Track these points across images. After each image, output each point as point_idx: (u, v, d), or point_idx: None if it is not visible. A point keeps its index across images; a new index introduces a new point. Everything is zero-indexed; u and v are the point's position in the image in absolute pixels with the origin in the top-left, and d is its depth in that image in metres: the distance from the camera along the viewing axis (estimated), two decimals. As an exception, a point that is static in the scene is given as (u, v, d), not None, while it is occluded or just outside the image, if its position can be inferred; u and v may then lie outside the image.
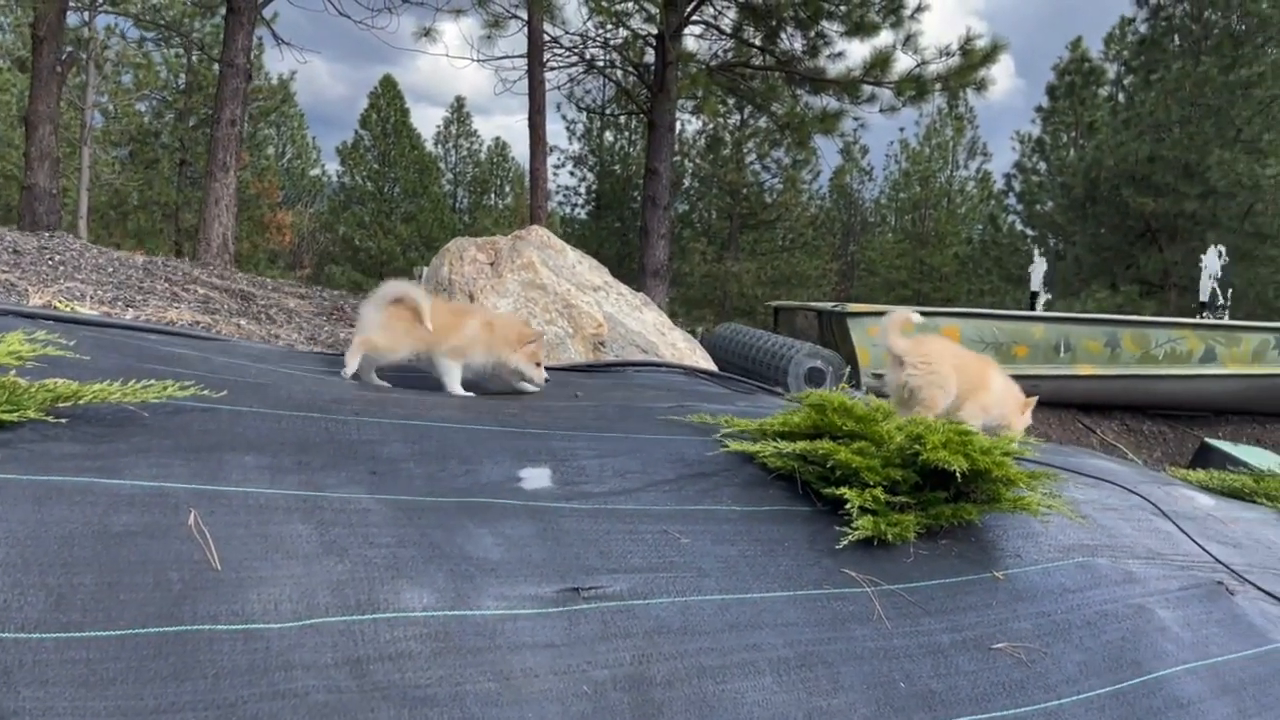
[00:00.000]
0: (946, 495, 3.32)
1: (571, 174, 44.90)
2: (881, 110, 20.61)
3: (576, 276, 5.65)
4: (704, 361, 5.87)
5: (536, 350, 4.13)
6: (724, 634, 2.55)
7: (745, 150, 42.31)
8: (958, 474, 3.13)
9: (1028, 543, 3.38)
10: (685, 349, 5.83)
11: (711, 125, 38.22)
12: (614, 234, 45.08)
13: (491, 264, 5.51)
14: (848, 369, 8.35)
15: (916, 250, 46.27)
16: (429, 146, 53.40)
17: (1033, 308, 9.88)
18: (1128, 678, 2.87)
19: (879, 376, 8.05)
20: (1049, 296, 9.98)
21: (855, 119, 21.83)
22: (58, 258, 5.39)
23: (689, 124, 39.25)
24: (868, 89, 20.29)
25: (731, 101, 27.36)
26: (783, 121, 21.22)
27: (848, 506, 3.10)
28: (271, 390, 3.22)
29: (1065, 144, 37.11)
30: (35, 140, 19.27)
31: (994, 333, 8.26)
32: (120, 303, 4.47)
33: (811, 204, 48.53)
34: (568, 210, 48.01)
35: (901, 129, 50.06)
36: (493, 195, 58.62)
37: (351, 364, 3.84)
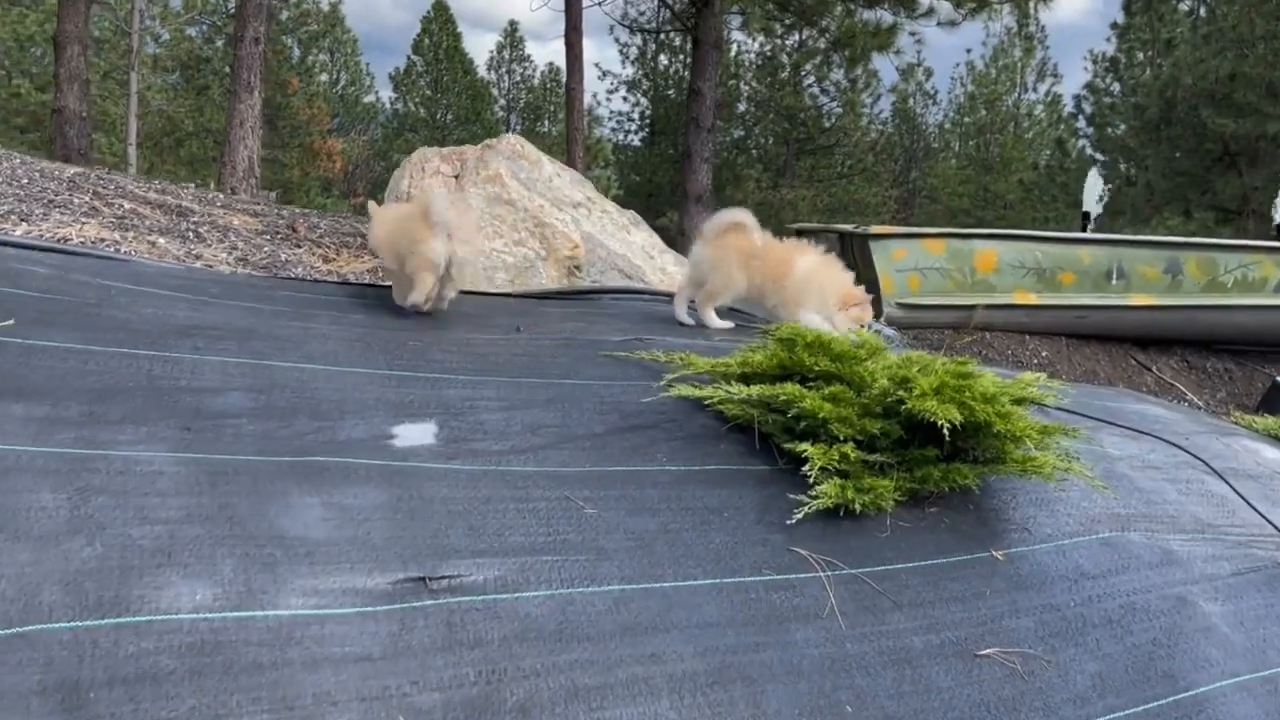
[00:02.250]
0: (939, 453, 2.66)
1: (625, 99, 43.77)
2: (940, 24, 19.41)
3: (553, 191, 5.00)
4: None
5: (861, 314, 3.83)
6: (614, 640, 1.95)
7: (803, 73, 40.94)
8: (945, 429, 2.46)
9: (1041, 512, 2.72)
10: (677, 273, 5.17)
11: (768, 46, 36.90)
12: (667, 160, 44.08)
13: (456, 176, 4.89)
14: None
15: (980, 177, 44.72)
16: (481, 72, 52.54)
17: (1084, 229, 8.97)
18: (1158, 695, 2.22)
19: (907, 307, 7.32)
20: (1098, 214, 9.02)
21: (912, 34, 20.65)
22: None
23: (745, 46, 37.94)
24: (924, 0, 19.10)
25: (786, 21, 26.08)
26: (834, 38, 20.08)
27: (806, 468, 2.46)
28: (101, 319, 2.64)
29: (1141, 63, 35.26)
30: (64, 61, 18.82)
31: (1035, 257, 7.43)
32: (15, 216, 3.94)
33: (871, 128, 47.02)
34: (620, 137, 46.97)
35: (968, 50, 48.03)
36: (546, 122, 57.81)
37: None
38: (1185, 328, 7.69)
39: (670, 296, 4.65)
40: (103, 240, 3.93)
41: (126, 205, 4.57)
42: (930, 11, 19.54)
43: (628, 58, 44.87)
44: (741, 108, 42.97)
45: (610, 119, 46.95)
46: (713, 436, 2.78)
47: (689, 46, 41.46)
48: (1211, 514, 3.00)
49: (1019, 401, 2.94)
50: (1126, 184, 27.51)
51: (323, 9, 48.40)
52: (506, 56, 59.48)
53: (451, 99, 51.74)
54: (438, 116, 51.54)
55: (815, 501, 2.38)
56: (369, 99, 57.83)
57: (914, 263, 7.27)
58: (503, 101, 58.27)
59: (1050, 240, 7.63)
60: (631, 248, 5.10)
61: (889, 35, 20.36)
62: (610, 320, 4.07)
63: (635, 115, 45.88)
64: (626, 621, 1.99)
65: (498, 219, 4.73)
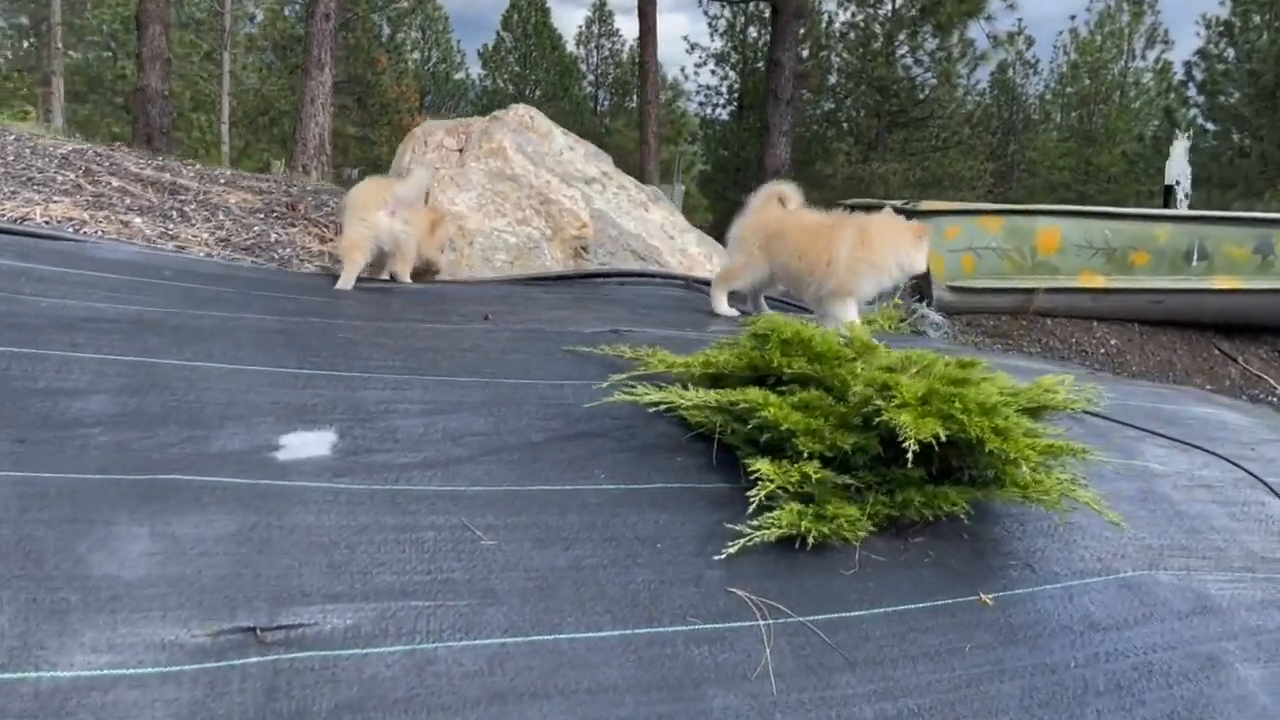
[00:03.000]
0: (924, 474, 2.25)
1: (713, 73, 43.10)
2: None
3: (563, 166, 4.65)
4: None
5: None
6: (476, 711, 1.61)
7: (896, 43, 39.82)
8: (913, 448, 2.06)
9: (1052, 544, 2.30)
10: (700, 254, 4.78)
11: (860, 17, 35.97)
12: (754, 134, 43.31)
13: (460, 151, 4.56)
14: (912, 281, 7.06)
15: (1082, 149, 43.02)
16: (570, 47, 52.37)
17: (1167, 204, 8.21)
18: (1169, 788, 1.80)
19: (960, 290, 6.75)
20: (1187, 189, 8.22)
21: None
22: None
23: (834, 16, 37.04)
24: (1019, -37, 18.20)
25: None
26: (922, 4, 19.25)
27: (754, 491, 2.08)
28: (-25, 311, 2.38)
29: (1257, 26, 33.38)
30: (146, 40, 19.05)
31: (1104, 235, 6.76)
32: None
33: (968, 100, 45.59)
34: (708, 111, 46.34)
35: (1072, 17, 46.22)
36: (634, 96, 57.31)
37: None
38: (1277, 314, 7.00)
39: (686, 280, 4.27)
40: (69, 220, 3.71)
41: (115, 183, 4.36)
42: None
43: (716, 30, 44.18)
44: (833, 80, 42.09)
45: (698, 93, 46.33)
46: (669, 448, 2.41)
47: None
48: (1269, 547, 2.53)
49: (1035, 411, 2.51)
50: (1240, 155, 26.04)
51: (412, -13, 48.80)
52: (595, 31, 59.21)
53: (540, 75, 51.74)
54: (525, 92, 51.56)
55: (758, 533, 2.00)
56: (459, 76, 58.21)
57: (968, 242, 6.70)
58: (590, 77, 58.12)
59: (1121, 217, 6.98)
60: (649, 226, 4.72)
61: (979, 1, 19.50)
62: (604, 307, 3.71)
63: (723, 89, 45.13)
64: (499, 686, 1.65)
65: (500, 196, 4.39)
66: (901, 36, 39.47)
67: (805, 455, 2.20)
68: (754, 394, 2.30)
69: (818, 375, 2.42)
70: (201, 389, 2.23)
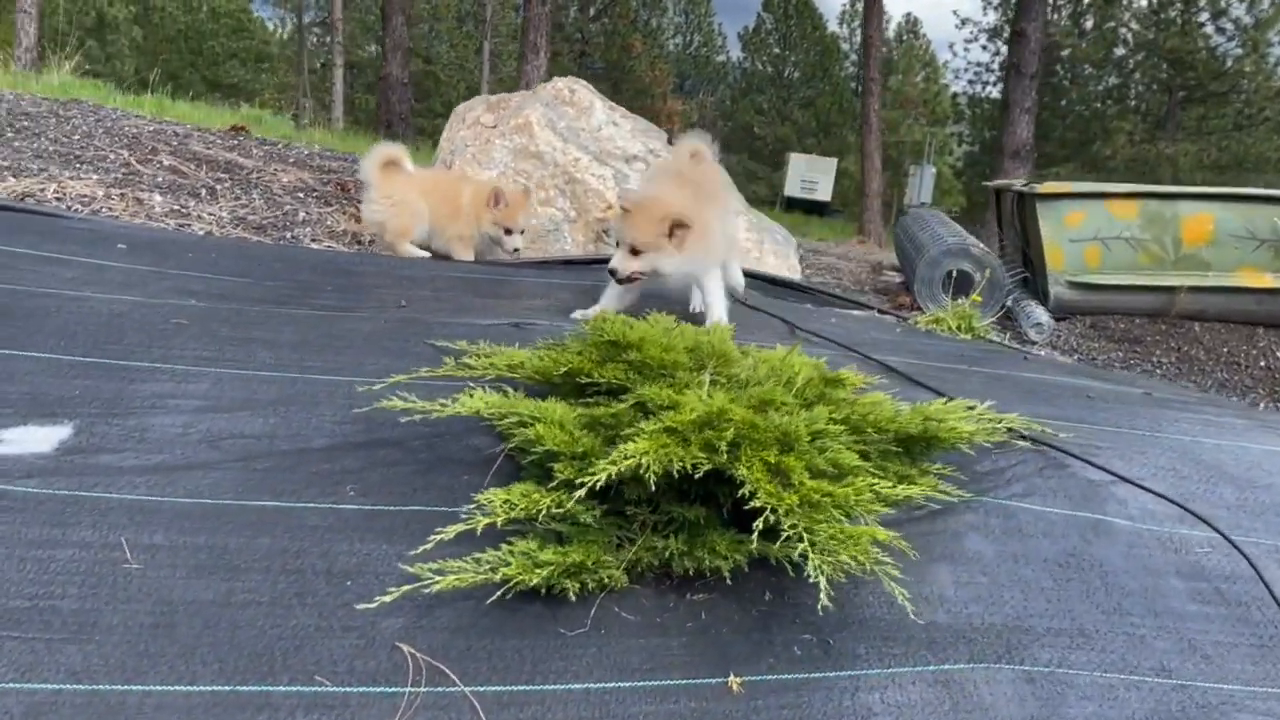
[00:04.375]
0: (720, 516, 1.81)
1: (984, 49, 41.11)
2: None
3: (600, 143, 4.32)
4: (778, 261, 4.31)
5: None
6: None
7: (1193, 9, 36.55)
8: (650, 479, 1.64)
9: (879, 613, 1.80)
10: (749, 241, 4.32)
11: None
12: (1025, 112, 41.01)
13: (494, 126, 4.33)
14: (1021, 273, 6.09)
15: None
16: (832, 27, 51.36)
17: None
18: None
19: (1081, 287, 5.76)
20: None
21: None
22: (73, 121, 4.95)
23: None
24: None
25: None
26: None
27: (456, 526, 1.73)
28: None
29: None
30: (389, 31, 20.14)
31: (1272, 224, 5.59)
32: (7, 172, 3.87)
33: (1278, 71, 41.17)
34: (978, 89, 44.40)
35: None
36: (901, 75, 55.66)
37: None
38: None
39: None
40: (83, 195, 3.77)
41: (166, 161, 4.43)
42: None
43: (990, 4, 42.26)
44: (1121, 51, 39.27)
45: (967, 70, 44.32)
46: (466, 463, 2.09)
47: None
48: (1234, 658, 1.89)
49: (916, 442, 2.00)
50: None
51: (671, -29, 49.36)
52: (859, 9, 57.96)
53: (800, 55, 51.17)
54: (785, 74, 51.15)
55: (438, 581, 1.64)
56: (720, 59, 58.45)
57: (1095, 230, 5.74)
58: (853, 57, 56.91)
59: None
60: (691, 208, 4.31)
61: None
62: (569, 296, 3.37)
63: (996, 65, 43.08)
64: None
65: (523, 174, 4.14)
66: (1202, 2, 36.20)
67: (577, 483, 1.81)
68: (525, 405, 1.94)
69: (633, 386, 2.02)
70: (-44, 374, 2.11)
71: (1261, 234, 5.64)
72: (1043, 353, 4.55)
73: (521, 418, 1.91)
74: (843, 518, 1.71)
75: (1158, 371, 4.93)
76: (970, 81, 43.79)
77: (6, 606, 1.59)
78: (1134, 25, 38.60)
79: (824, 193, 31.15)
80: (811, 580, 1.60)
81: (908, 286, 6.08)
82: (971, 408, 2.11)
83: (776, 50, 51.23)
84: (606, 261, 3.82)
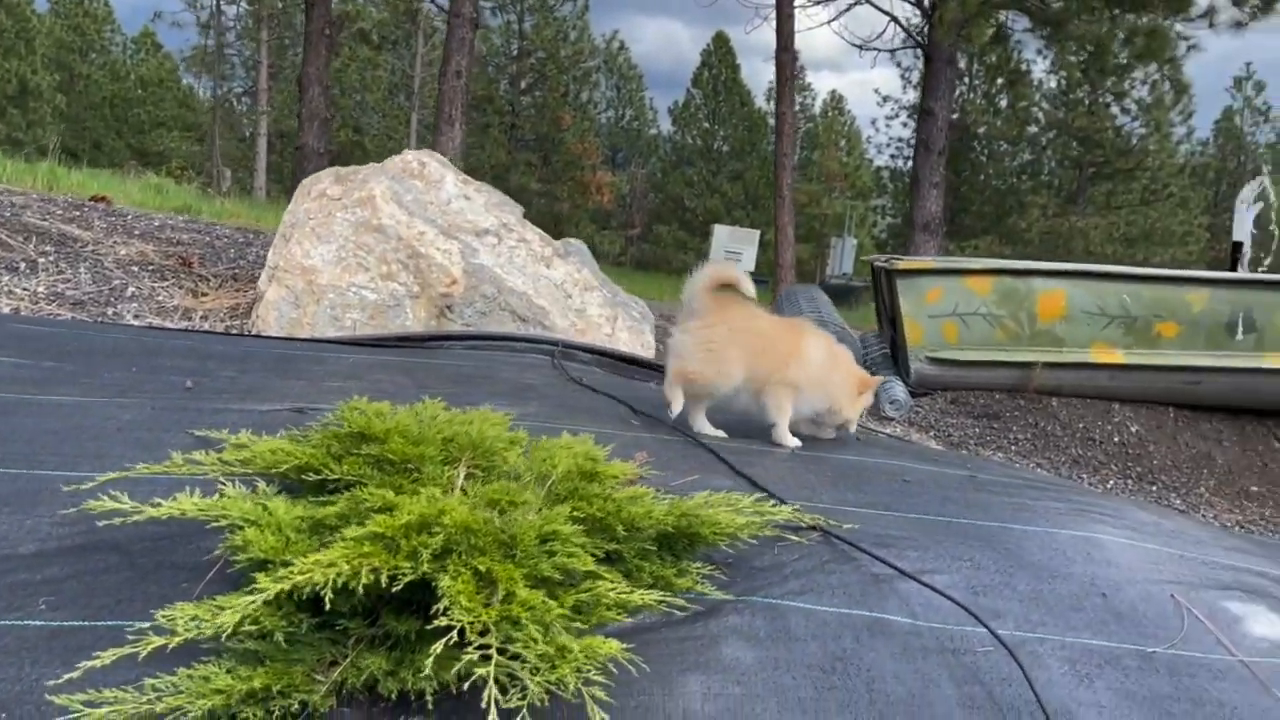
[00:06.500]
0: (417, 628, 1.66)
1: (904, 125, 42.41)
2: (1213, 26, 16.83)
3: (449, 216, 4.22)
4: (632, 337, 4.22)
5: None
6: None
7: (1100, 90, 37.96)
8: (277, 589, 1.49)
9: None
10: (601, 316, 4.23)
11: (1063, 74, 34.69)
12: (948, 187, 42.18)
13: (339, 199, 4.21)
14: (882, 348, 6.12)
15: (1317, 201, 39.51)
16: (759, 102, 52.73)
17: (1234, 265, 6.81)
18: None
19: (940, 363, 5.76)
20: (1254, 254, 6.81)
21: (1184, 39, 18.15)
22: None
23: (1035, 65, 35.76)
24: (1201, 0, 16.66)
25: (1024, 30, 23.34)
26: (1084, 46, 17.83)
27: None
28: None
29: None
30: (306, 101, 20.04)
31: (1121, 301, 5.63)
32: None
33: (1180, 149, 42.85)
34: (899, 163, 45.84)
35: (1300, 58, 43.17)
36: (822, 150, 56.98)
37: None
38: None
39: (558, 345, 3.73)
40: None
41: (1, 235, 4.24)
42: (1209, 13, 17.08)
43: (909, 82, 43.62)
44: (1034, 129, 40.66)
45: (889, 145, 45.88)
46: (190, 570, 1.91)
47: (977, 69, 39.47)
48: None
49: (681, 539, 1.88)
50: None
51: (599, 46, 50.15)
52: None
53: (728, 130, 52.33)
54: (714, 148, 52.19)
55: (88, 715, 1.47)
56: (651, 132, 59.47)
57: (952, 306, 5.75)
58: (794, 133, 58.37)
59: (1143, 279, 5.89)
60: (541, 284, 4.21)
61: (1159, 42, 17.95)
62: (384, 378, 3.23)
63: (915, 141, 44.53)
64: None
65: (363, 249, 4.01)
66: (1107, 84, 37.59)
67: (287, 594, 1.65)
68: (240, 507, 1.78)
69: (378, 482, 1.87)
70: None
71: (1111, 310, 5.69)
72: (898, 430, 4.50)
73: (232, 520, 1.75)
74: (561, 630, 1.57)
75: (1013, 447, 4.92)
76: (893, 156, 45.04)
77: None
78: (1044, 105, 39.93)
79: (748, 263, 31.47)
80: (505, 705, 1.46)
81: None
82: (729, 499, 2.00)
83: (706, 125, 52.36)
84: (447, 339, 3.70)
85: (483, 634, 1.52)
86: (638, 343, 4.27)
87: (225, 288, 4.33)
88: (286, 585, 1.51)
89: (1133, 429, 5.40)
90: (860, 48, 20.78)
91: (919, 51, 20.99)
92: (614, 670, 1.66)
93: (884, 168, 49.61)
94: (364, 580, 1.53)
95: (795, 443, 3.06)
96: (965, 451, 4.65)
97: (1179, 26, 17.28)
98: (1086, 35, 17.90)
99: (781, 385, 3.00)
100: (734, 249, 32.06)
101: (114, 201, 6.15)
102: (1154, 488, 4.81)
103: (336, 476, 1.91)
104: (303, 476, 1.95)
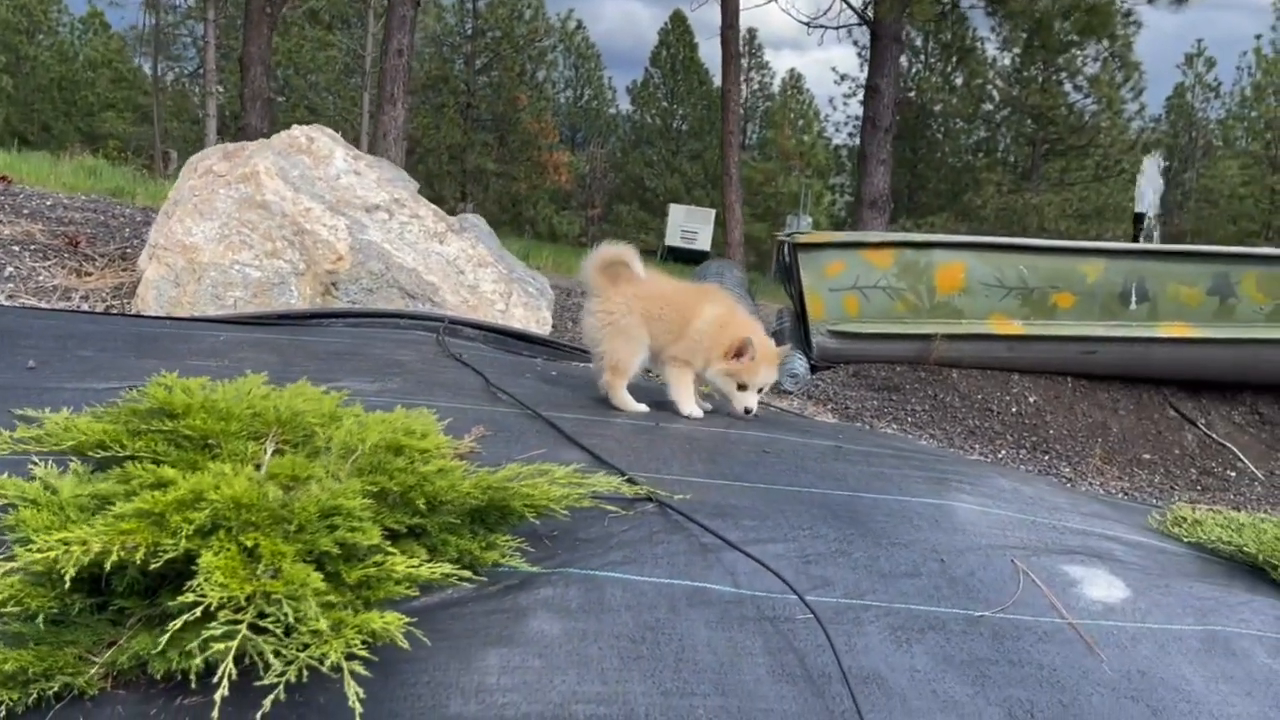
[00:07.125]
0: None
1: (861, 103, 42.87)
2: (1152, 2, 16.95)
3: (337, 193, 4.16)
4: (527, 313, 4.18)
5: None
6: None
7: (1053, 68, 38.22)
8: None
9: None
10: (494, 292, 4.19)
11: (1016, 52, 34.90)
12: (904, 164, 42.29)
13: (224, 176, 4.13)
14: (783, 323, 6.16)
15: (1267, 177, 40.26)
16: (718, 81, 52.85)
17: (1136, 237, 6.92)
18: None
19: (841, 335, 5.81)
20: (1156, 224, 6.90)
21: (1126, 16, 18.28)
22: None
23: (987, 42, 35.96)
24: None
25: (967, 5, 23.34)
26: (1024, 24, 17.94)
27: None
28: None
29: None
30: (248, 81, 19.81)
31: (1019, 272, 5.71)
32: None
33: (1132, 125, 43.19)
34: (856, 141, 46.20)
35: (1258, 36, 43.78)
36: (777, 129, 57.00)
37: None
38: (1246, 369, 5.76)
39: (442, 322, 3.68)
40: None
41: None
42: (1150, -11, 17.19)
43: (865, 61, 43.75)
44: (989, 107, 40.94)
45: (846, 124, 46.07)
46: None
47: (932, 48, 39.59)
48: None
49: (502, 511, 1.86)
50: None
51: (554, 25, 49.82)
52: (745, 65, 59.35)
53: (687, 109, 52.21)
54: (673, 127, 52.06)
55: None
56: (610, 111, 59.19)
57: (853, 279, 5.79)
58: (740, 111, 58.21)
59: (1039, 250, 5.97)
60: (432, 260, 4.17)
61: (1101, 18, 18.08)
62: (249, 355, 3.18)
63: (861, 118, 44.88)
64: None
65: (247, 226, 3.95)
66: (1060, 61, 37.82)
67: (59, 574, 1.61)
68: (13, 486, 1.73)
69: (174, 459, 1.83)
70: None
71: (1009, 282, 5.74)
72: (794, 404, 4.50)
73: (9, 500, 1.70)
74: (333, 606, 1.54)
75: (910, 419, 4.94)
76: (850, 134, 45.29)
77: None
78: (998, 82, 40.15)
79: (704, 242, 31.50)
80: (265, 683, 1.43)
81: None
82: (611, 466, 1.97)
83: (664, 104, 52.22)
84: (328, 316, 3.64)
85: (238, 610, 1.49)
86: (533, 319, 4.23)
87: (112, 267, 4.25)
88: (19, 564, 1.47)
89: (1031, 399, 5.45)
90: (808, 25, 20.82)
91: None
92: (406, 646, 1.64)
93: (841, 146, 49.74)
94: (115, 558, 1.49)
95: (697, 412, 3.19)
96: (860, 424, 4.67)
97: (1119, 2, 17.40)
98: (1028, 11, 17.97)
99: (679, 354, 3.05)
100: (690, 228, 32.10)
101: (13, 181, 6.03)
102: (1046, 457, 4.86)
103: (128, 454, 1.86)
104: (101, 454, 1.91)
